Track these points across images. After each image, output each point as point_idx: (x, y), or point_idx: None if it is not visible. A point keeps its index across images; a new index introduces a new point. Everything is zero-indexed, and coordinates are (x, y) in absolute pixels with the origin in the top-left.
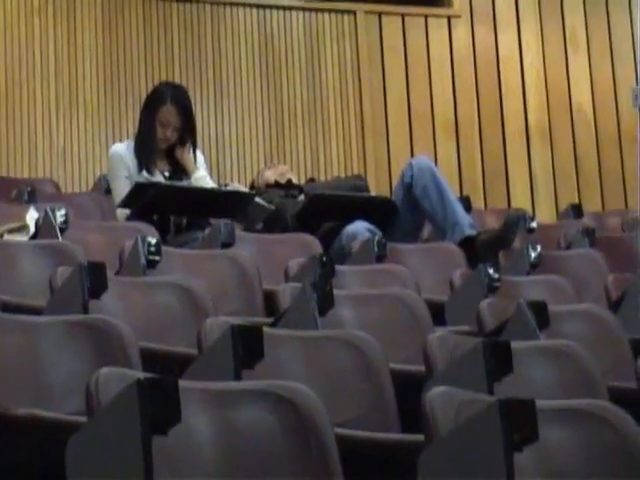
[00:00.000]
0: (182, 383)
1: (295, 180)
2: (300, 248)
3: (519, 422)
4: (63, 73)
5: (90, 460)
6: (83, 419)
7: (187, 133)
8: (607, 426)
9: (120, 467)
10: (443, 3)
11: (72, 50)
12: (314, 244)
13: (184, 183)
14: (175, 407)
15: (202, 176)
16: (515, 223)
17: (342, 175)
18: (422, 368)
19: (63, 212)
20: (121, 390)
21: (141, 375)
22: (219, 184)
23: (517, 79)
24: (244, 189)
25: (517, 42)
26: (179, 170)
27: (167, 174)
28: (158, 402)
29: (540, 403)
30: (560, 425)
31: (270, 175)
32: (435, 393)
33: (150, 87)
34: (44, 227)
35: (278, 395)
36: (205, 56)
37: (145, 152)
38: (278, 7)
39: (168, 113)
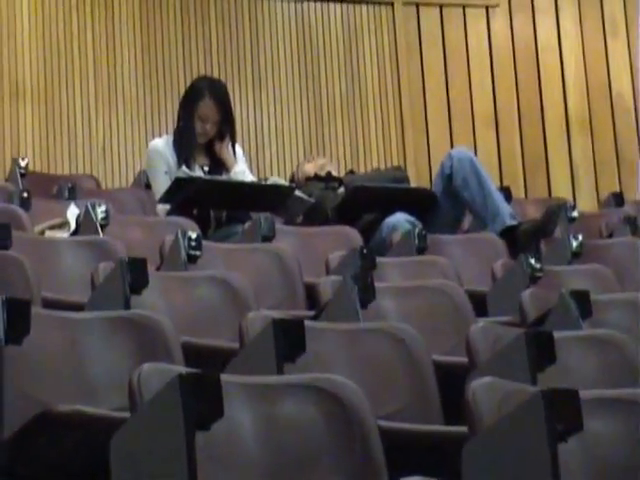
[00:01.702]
0: (224, 377)
1: (335, 172)
2: (340, 241)
3: (563, 412)
4: (102, 69)
5: (134, 456)
6: (126, 415)
7: (226, 127)
8: None
9: (164, 462)
10: None
11: (110, 46)
12: (354, 236)
13: (224, 177)
14: (218, 402)
15: (241, 170)
16: (556, 212)
17: (382, 167)
18: (465, 359)
19: (104, 208)
20: (163, 386)
21: (183, 370)
22: (258, 178)
23: (556, 68)
24: (284, 182)
25: (556, 30)
26: (218, 164)
27: (206, 169)
28: (201, 397)
29: (584, 393)
30: (604, 415)
31: (309, 168)
32: (478, 384)
33: (189, 81)
34: (85, 223)
35: (320, 388)
36: (243, 49)
37: (184, 147)
38: None
39: (207, 108)
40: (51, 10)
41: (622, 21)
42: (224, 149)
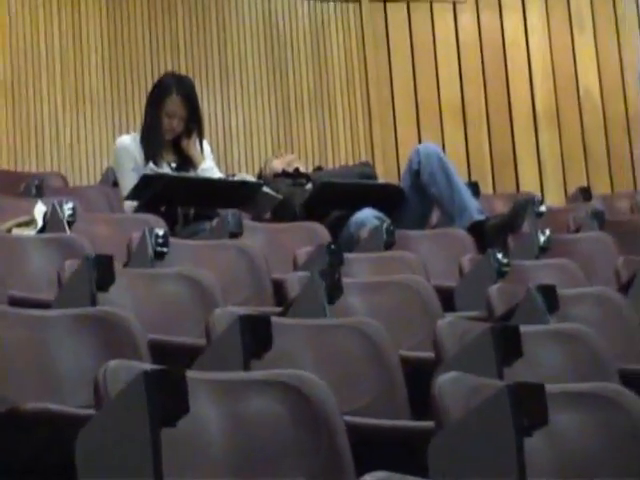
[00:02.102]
0: (190, 374)
1: (303, 169)
2: (308, 237)
3: (529, 407)
4: (69, 66)
5: (100, 453)
6: (92, 412)
7: (193, 124)
8: (618, 409)
9: (129, 459)
10: None
11: (77, 42)
12: (322, 232)
13: (191, 174)
14: (183, 398)
15: (209, 167)
16: (524, 207)
17: (350, 162)
18: (432, 354)
19: (71, 205)
20: (128, 382)
21: (149, 367)
22: (226, 174)
23: (524, 63)
24: (252, 179)
25: (523, 25)
26: (186, 161)
27: (174, 165)
28: (166, 394)
29: (550, 387)
30: (570, 409)
31: (277, 164)
32: (445, 379)
33: (156, 77)
34: (52, 221)
35: (287, 384)
36: (210, 45)
37: (152, 143)
38: None
39: (174, 104)
40: (17, 7)
41: (589, 16)
42: (191, 146)
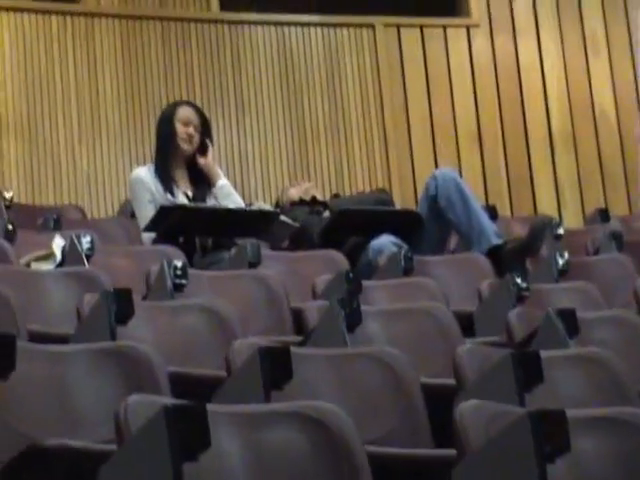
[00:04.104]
0: (211, 407)
1: (319, 196)
2: (327, 265)
3: (550, 433)
4: (84, 97)
5: None
6: (113, 447)
7: (205, 136)
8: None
9: None
10: (461, 13)
11: (92, 74)
12: (340, 260)
13: (208, 204)
14: (204, 432)
15: (225, 184)
16: (542, 230)
17: (366, 189)
18: (453, 381)
19: (89, 239)
20: (149, 418)
21: (169, 401)
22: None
23: (538, 86)
24: (269, 208)
25: (537, 49)
26: (201, 186)
27: (190, 194)
28: (187, 428)
29: (571, 412)
30: (592, 434)
31: (294, 192)
32: (465, 407)
33: None
34: (70, 254)
35: (307, 416)
36: (225, 75)
37: (166, 166)
38: (297, 24)
39: (186, 111)
40: (32, 40)
41: (603, 39)
42: (209, 161)
